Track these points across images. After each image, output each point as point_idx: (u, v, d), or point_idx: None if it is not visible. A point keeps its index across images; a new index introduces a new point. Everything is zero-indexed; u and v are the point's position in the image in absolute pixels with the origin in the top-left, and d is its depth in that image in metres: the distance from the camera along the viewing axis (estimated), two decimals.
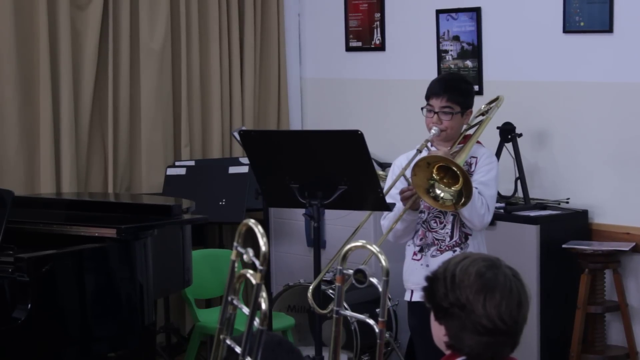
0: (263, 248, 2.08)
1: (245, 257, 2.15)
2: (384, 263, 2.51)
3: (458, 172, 4.02)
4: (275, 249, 6.46)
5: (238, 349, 2.15)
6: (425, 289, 2.52)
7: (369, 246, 2.57)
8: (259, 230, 2.12)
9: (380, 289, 2.54)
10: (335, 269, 4.56)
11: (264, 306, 2.08)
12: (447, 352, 2.52)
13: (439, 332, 2.51)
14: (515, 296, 2.45)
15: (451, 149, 4.27)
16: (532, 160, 5.79)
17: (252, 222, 2.16)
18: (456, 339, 2.47)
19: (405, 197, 4.19)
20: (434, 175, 4.06)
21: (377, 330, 2.58)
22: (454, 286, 2.44)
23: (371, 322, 2.61)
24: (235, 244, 2.20)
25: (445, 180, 4.07)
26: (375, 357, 5.68)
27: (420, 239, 4.32)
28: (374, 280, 2.59)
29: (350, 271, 2.60)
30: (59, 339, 4.35)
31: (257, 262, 2.09)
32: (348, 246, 2.58)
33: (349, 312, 2.63)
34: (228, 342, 2.23)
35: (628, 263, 5.46)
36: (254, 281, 2.09)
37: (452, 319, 2.46)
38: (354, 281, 2.64)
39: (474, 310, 2.42)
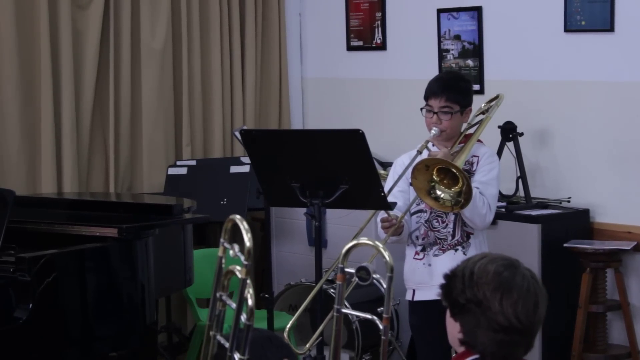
0: (247, 244, 2.08)
1: (231, 252, 2.16)
2: (388, 259, 2.51)
3: (457, 174, 4.02)
4: (277, 248, 6.46)
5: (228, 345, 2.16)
6: (442, 286, 2.53)
7: (371, 243, 2.57)
8: (244, 226, 2.13)
9: (385, 286, 2.54)
10: (335, 268, 4.57)
11: (250, 302, 2.08)
12: (460, 350, 2.52)
13: (453, 330, 2.52)
14: (532, 296, 2.45)
15: (452, 149, 4.27)
16: (534, 159, 5.79)
17: (237, 218, 2.17)
18: (470, 336, 2.47)
19: (384, 227, 4.20)
20: (434, 176, 4.06)
21: (381, 326, 2.58)
22: (472, 283, 2.45)
23: (375, 319, 2.61)
24: (221, 240, 2.21)
25: (445, 182, 4.07)
26: (376, 356, 5.69)
27: (423, 239, 4.33)
28: (377, 277, 2.59)
29: (352, 270, 2.59)
30: (60, 339, 4.35)
31: (242, 258, 2.09)
32: (351, 244, 2.57)
33: (350, 311, 2.63)
34: (218, 338, 2.23)
35: (629, 262, 5.46)
36: (240, 276, 2.09)
37: (467, 315, 2.46)
38: (356, 279, 2.64)
39: (490, 307, 2.43)
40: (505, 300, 2.43)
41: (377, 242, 2.54)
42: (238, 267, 2.12)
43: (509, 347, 2.47)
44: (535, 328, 2.47)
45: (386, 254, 2.51)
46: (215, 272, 2.24)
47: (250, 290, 2.10)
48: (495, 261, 2.48)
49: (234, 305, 2.15)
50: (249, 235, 2.10)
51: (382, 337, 2.61)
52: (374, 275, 2.62)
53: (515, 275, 2.46)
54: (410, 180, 4.25)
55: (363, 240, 2.59)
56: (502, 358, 2.48)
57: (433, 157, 4.15)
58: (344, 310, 2.60)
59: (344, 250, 2.58)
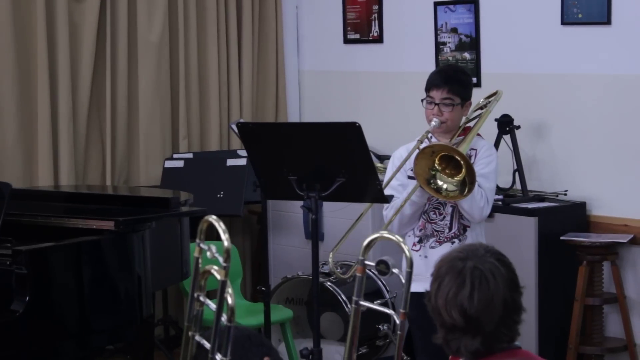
0: (225, 244, 2.07)
1: (208, 254, 2.15)
2: (407, 253, 2.51)
3: (461, 162, 4.02)
4: (273, 241, 6.46)
5: (208, 345, 2.14)
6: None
7: (392, 237, 2.56)
8: (220, 226, 2.12)
9: (404, 280, 2.54)
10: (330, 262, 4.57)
11: (230, 301, 2.07)
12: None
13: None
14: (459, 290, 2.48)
15: (451, 141, 4.27)
16: (530, 152, 5.79)
17: (213, 218, 2.16)
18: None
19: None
20: (436, 165, 4.06)
21: (397, 321, 2.57)
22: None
23: (393, 314, 2.60)
24: (197, 240, 2.20)
25: (447, 171, 4.07)
26: (373, 349, 5.69)
27: (420, 230, 4.33)
28: (396, 271, 2.59)
29: (360, 261, 2.59)
30: (57, 332, 4.35)
31: (220, 259, 2.08)
32: (372, 236, 2.57)
33: (369, 304, 2.62)
34: (197, 338, 2.22)
35: (626, 255, 5.46)
36: (218, 277, 2.08)
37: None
38: (375, 272, 2.64)
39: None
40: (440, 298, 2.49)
41: (398, 237, 2.53)
42: (216, 267, 2.11)
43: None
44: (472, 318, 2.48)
45: (405, 248, 2.51)
46: (192, 273, 2.22)
47: (230, 290, 2.08)
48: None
49: (212, 305, 2.14)
50: (227, 235, 2.09)
51: (398, 332, 2.61)
52: (394, 270, 2.61)
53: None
54: (408, 174, 4.25)
55: (384, 233, 2.59)
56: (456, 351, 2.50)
57: (439, 143, 4.16)
58: (363, 303, 2.59)
59: (364, 243, 2.57)
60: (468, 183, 4.03)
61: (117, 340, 4.90)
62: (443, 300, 2.46)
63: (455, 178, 4.06)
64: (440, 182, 4.08)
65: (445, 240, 4.30)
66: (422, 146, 4.15)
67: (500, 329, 2.47)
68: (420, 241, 4.34)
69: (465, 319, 2.44)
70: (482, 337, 2.46)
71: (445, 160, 4.06)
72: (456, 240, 4.29)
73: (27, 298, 4.19)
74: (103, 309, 4.53)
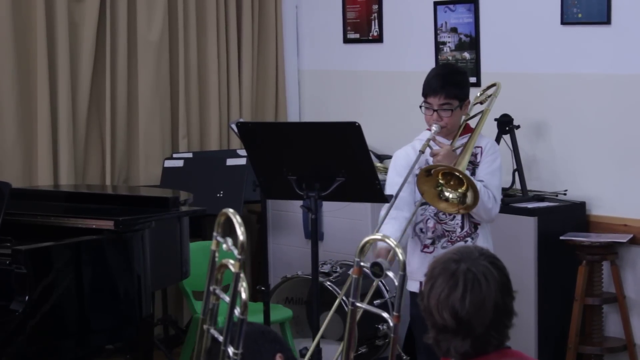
0: (241, 237, 2.08)
1: (224, 246, 2.15)
2: (401, 257, 2.51)
3: (462, 177, 4.02)
4: (273, 241, 6.46)
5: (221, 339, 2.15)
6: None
7: (386, 239, 2.57)
8: (237, 219, 2.12)
9: (397, 283, 2.54)
10: (331, 260, 4.58)
11: (244, 295, 2.08)
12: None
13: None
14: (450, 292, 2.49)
15: (453, 143, 4.25)
16: (530, 152, 5.79)
17: (230, 211, 2.17)
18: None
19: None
20: (440, 180, 4.06)
21: (391, 324, 2.57)
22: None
23: (388, 317, 2.60)
24: (214, 233, 2.21)
25: (451, 183, 4.07)
26: (372, 348, 5.69)
27: (432, 232, 4.31)
28: (391, 274, 2.59)
29: (356, 263, 2.59)
30: (57, 331, 4.35)
31: (235, 252, 2.09)
32: (366, 238, 2.57)
33: (365, 305, 2.62)
34: (212, 332, 2.22)
35: (625, 255, 5.46)
36: (233, 270, 2.09)
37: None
38: (370, 274, 2.64)
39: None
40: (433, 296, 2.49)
41: (392, 240, 2.54)
42: (231, 261, 2.12)
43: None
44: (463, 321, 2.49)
45: (399, 252, 2.51)
46: (209, 266, 2.23)
47: (244, 284, 2.09)
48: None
49: (227, 299, 2.15)
50: (242, 229, 2.10)
51: (392, 335, 2.61)
52: (388, 272, 2.61)
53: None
54: (410, 170, 4.24)
55: (377, 236, 2.59)
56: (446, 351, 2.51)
57: (435, 163, 4.14)
58: (359, 305, 2.59)
59: (359, 245, 2.57)
60: (472, 195, 4.03)
61: (117, 339, 4.90)
62: (435, 301, 2.46)
63: (460, 190, 4.07)
64: (447, 194, 4.08)
65: (458, 239, 4.28)
66: (422, 158, 4.13)
67: (491, 332, 2.48)
68: (433, 243, 4.32)
69: (457, 320, 2.44)
70: (472, 340, 2.47)
71: (448, 174, 4.06)
72: (468, 239, 4.27)
73: (27, 298, 4.19)
74: (102, 309, 4.53)
